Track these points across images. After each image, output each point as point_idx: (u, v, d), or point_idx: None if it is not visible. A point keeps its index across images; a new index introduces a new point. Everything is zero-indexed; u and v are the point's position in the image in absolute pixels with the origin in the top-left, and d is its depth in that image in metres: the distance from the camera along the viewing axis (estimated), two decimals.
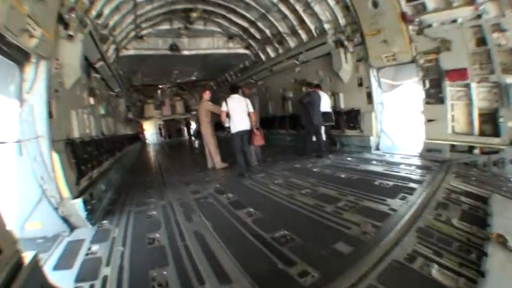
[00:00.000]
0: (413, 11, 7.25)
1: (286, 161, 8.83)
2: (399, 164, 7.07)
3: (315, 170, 7.20)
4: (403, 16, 7.35)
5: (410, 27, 7.36)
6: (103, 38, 8.75)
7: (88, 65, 7.51)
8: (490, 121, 6.52)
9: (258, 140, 7.44)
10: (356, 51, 9.23)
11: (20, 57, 4.02)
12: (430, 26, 7.04)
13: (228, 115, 7.10)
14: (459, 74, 6.75)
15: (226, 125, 7.20)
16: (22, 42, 3.65)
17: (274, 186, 5.97)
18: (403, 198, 4.51)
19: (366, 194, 4.83)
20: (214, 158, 8.69)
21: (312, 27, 10.33)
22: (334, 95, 10.40)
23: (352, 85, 9.65)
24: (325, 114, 9.18)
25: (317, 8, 9.55)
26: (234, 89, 7.47)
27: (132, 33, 11.37)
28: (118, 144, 10.98)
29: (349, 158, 8.31)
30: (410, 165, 6.84)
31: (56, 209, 4.31)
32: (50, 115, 4.43)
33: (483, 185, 4.97)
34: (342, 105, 10.17)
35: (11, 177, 4.23)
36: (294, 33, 11.31)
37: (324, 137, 9.24)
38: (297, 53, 11.50)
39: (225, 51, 14.36)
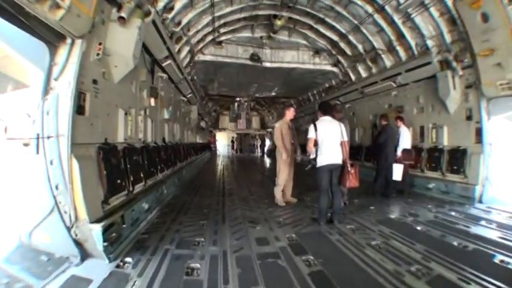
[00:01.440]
0: None
1: (378, 206, 7.38)
2: None
3: (418, 228, 5.64)
4: None
5: None
6: (175, 36, 8.74)
7: (153, 62, 7.41)
8: None
9: (353, 181, 5.65)
10: (465, 75, 7.74)
11: (49, 35, 3.61)
12: None
13: (315, 143, 5.61)
14: None
15: (312, 156, 5.67)
16: (48, 16, 3.26)
17: (372, 252, 4.35)
18: None
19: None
20: (286, 190, 7.52)
21: (413, 43, 9.04)
22: (435, 128, 8.93)
23: (458, 117, 8.10)
24: (405, 151, 8.36)
25: (418, 20, 8.31)
26: (326, 110, 5.88)
27: (210, 37, 11.25)
28: (182, 154, 10.85)
29: (453, 213, 6.66)
30: None
31: (68, 228, 3.68)
32: (81, 110, 3.92)
33: None
34: (445, 142, 8.55)
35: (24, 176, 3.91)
36: (390, 50, 10.12)
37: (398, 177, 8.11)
38: (394, 74, 10.26)
39: (310, 66, 13.65)
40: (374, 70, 11.54)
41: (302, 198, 7.89)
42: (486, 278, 3.47)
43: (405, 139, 8.44)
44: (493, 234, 5.16)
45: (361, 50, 11.28)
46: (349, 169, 5.59)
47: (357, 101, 13.34)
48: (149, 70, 7.11)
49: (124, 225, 4.38)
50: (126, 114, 5.55)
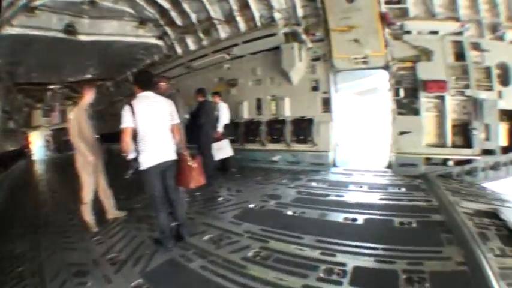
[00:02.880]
0: (391, 14, 7.06)
1: (225, 195, 6.33)
2: (386, 185, 6.28)
3: (289, 213, 4.88)
4: (384, 17, 6.97)
5: (387, 30, 7.09)
6: None
7: None
8: (462, 133, 7.03)
9: (198, 179, 4.07)
10: (313, 48, 8.01)
11: None
12: (408, 32, 7.05)
13: (135, 135, 3.72)
14: (439, 86, 6.87)
15: (132, 155, 3.76)
16: None
17: (257, 269, 3.21)
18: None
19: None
20: (106, 203, 5.33)
21: (257, 14, 8.63)
22: (275, 100, 8.92)
23: (302, 89, 8.39)
24: (225, 126, 8.03)
25: None
26: (146, 82, 3.94)
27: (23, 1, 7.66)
28: None
29: (313, 184, 6.70)
30: (396, 185, 6.22)
31: None
32: None
33: (480, 199, 5.15)
34: (288, 113, 8.64)
35: None
36: (229, 21, 9.41)
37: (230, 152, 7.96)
38: (229, 46, 9.52)
39: (132, 39, 11.28)
40: (205, 42, 10.52)
41: (132, 207, 5.78)
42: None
43: (224, 115, 8.05)
44: (366, 196, 5.57)
45: (194, 20, 10.10)
46: (190, 163, 4.01)
47: (182, 78, 11.81)
48: None
49: None
50: None
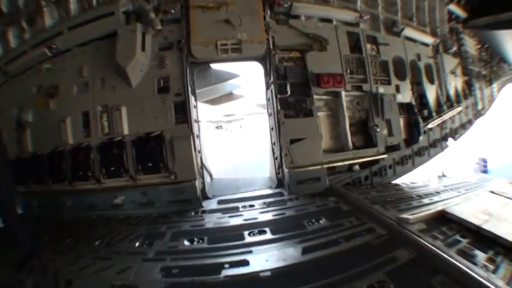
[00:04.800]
0: None
1: None
2: (297, 219, 4.25)
3: None
4: None
5: (269, 12, 5.69)
6: None
7: None
8: (361, 132, 6.30)
9: None
10: (164, 32, 5.48)
11: None
12: (296, 17, 5.87)
13: None
14: (335, 80, 5.69)
15: None
16: None
17: None
18: None
19: None
20: None
21: None
22: (107, 112, 5.57)
23: (146, 92, 5.49)
24: None
25: None
26: None
27: None
28: None
29: (184, 241, 3.90)
30: (311, 215, 4.32)
31: None
32: None
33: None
34: (126, 130, 5.40)
35: None
36: (60, 1, 6.18)
37: None
38: (53, 35, 6.10)
39: None
40: (28, 35, 6.62)
41: None
42: None
43: None
44: None
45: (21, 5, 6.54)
46: None
47: None
48: None
49: None
50: None
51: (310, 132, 5.47)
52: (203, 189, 5.53)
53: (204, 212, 4.90)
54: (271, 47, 5.49)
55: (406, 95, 6.92)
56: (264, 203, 4.91)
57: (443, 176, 8.56)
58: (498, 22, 9.60)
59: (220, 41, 5.27)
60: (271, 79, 5.62)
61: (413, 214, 3.88)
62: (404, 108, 6.94)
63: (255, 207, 4.78)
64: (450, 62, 9.12)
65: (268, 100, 5.94)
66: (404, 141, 6.71)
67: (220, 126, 38.98)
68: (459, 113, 9.02)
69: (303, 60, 5.65)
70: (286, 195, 5.30)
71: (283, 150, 5.44)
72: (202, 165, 5.86)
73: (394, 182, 6.55)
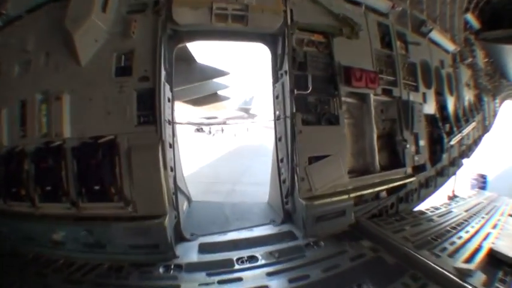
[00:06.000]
0: None
1: None
2: None
3: None
4: None
5: None
6: None
7: None
8: (384, 147, 4.79)
9: None
10: None
11: None
12: None
13: None
14: (369, 78, 4.24)
15: None
16: None
17: None
18: None
19: None
20: None
21: None
22: (47, 102, 3.67)
23: (100, 73, 3.60)
24: None
25: None
26: None
27: None
28: None
29: None
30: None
31: None
32: None
33: None
34: (68, 130, 3.52)
35: None
36: None
37: None
38: None
39: None
40: None
41: None
42: None
43: None
44: None
45: None
46: None
47: None
48: None
49: None
50: None
51: (335, 147, 3.91)
52: (177, 225, 3.74)
53: (179, 268, 3.14)
54: (288, 22, 3.91)
55: (430, 106, 5.74)
56: (271, 253, 3.25)
57: (454, 196, 7.78)
58: (509, 36, 9.13)
59: (216, 3, 3.61)
60: (285, 67, 3.98)
61: (462, 256, 3.43)
62: (428, 120, 5.63)
63: (258, 262, 3.15)
64: (465, 74, 8.19)
65: (277, 97, 4.30)
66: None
67: (201, 128, 37.19)
68: (473, 128, 8.07)
69: (328, 47, 4.10)
70: (300, 237, 3.68)
71: (299, 172, 3.74)
72: (177, 190, 3.94)
73: (417, 208, 5.37)
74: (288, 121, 3.90)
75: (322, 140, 3.89)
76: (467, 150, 7.73)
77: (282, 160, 4.27)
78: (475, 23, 9.11)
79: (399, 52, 5.03)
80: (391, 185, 4.44)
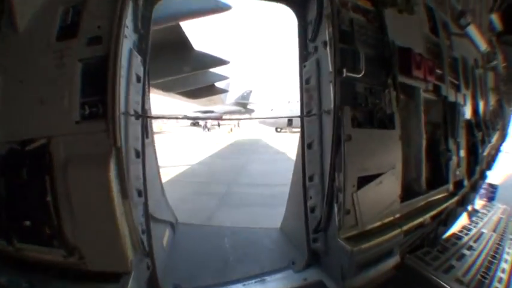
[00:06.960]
0: None
1: None
2: None
3: None
4: None
5: None
6: None
7: None
8: (431, 159, 3.69)
9: None
10: None
11: None
12: None
13: None
14: (427, 67, 3.21)
15: None
16: None
17: None
18: None
19: None
20: None
21: None
22: None
23: (39, 40, 2.25)
24: None
25: None
26: None
27: None
28: None
29: None
30: None
31: None
32: None
33: None
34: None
35: None
36: None
37: None
38: None
39: None
40: None
41: None
42: None
43: None
44: None
45: None
46: None
47: None
48: None
49: None
50: None
51: (389, 161, 2.82)
52: (152, 279, 2.54)
53: None
54: None
55: (468, 110, 4.84)
56: None
57: (475, 211, 7.06)
58: None
59: None
60: (324, 37, 2.70)
61: None
62: (465, 127, 4.55)
63: None
64: (490, 77, 7.44)
65: (307, 82, 3.06)
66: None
67: (197, 122, 36.17)
68: (498, 137, 7.33)
69: (377, 18, 2.89)
70: None
71: (343, 201, 2.53)
72: (149, 224, 2.65)
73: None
74: (327, 119, 2.67)
75: (374, 150, 2.76)
76: (491, 161, 6.98)
77: (311, 178, 3.04)
78: (498, 25, 8.48)
79: (446, 43, 4.09)
80: (438, 209, 3.47)
